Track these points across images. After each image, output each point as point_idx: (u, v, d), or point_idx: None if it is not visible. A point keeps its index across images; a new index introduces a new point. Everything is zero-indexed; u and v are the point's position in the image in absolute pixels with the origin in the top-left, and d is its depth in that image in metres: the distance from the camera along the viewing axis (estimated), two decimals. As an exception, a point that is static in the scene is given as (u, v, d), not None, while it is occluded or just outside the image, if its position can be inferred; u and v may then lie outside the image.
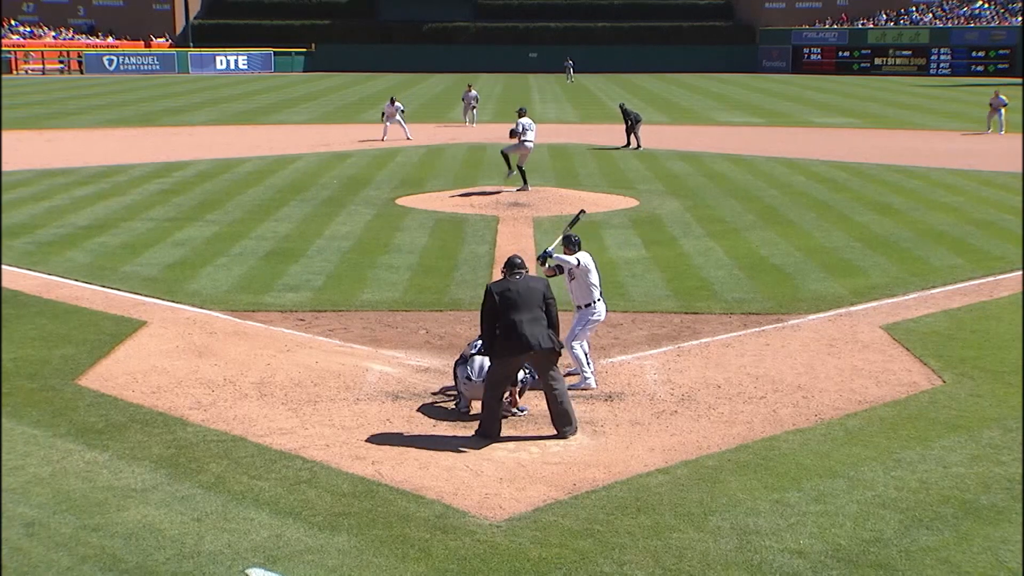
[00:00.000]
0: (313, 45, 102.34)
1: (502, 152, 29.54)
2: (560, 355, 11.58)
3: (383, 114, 43.23)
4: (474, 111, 48.81)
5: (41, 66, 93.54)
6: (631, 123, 39.93)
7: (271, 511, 9.58)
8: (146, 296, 17.55)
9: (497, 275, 17.81)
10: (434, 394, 12.90)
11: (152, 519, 9.38)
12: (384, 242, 22.24)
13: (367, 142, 41.51)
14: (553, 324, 11.49)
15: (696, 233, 23.30)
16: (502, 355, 11.36)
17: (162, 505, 9.68)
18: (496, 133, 41.94)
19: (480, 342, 12.24)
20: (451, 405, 12.50)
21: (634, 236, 22.87)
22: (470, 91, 49.42)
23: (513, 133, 29.04)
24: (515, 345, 11.26)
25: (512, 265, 11.72)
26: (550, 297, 11.56)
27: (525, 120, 28.99)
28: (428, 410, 12.35)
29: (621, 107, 41.35)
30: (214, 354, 14.44)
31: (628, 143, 40.05)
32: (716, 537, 9.15)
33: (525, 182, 28.98)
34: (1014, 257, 20.57)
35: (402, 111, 42.91)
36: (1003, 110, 45.37)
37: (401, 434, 11.58)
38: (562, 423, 11.48)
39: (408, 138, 41.95)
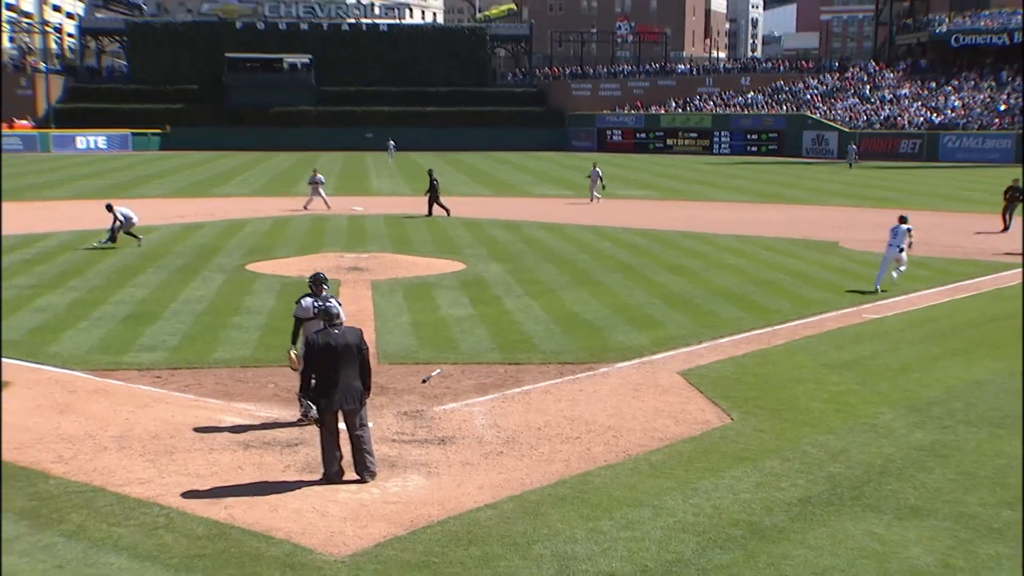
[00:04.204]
0: (168, 127, 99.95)
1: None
2: (364, 406, 11.50)
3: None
4: (321, 191, 43.36)
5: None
6: (433, 191, 40.25)
7: (130, 556, 9.23)
8: (8, 358, 16.74)
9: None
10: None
11: (14, 568, 8.92)
12: (235, 305, 21.77)
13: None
14: (364, 373, 11.41)
15: (517, 293, 23.51)
16: (319, 404, 11.31)
17: (24, 554, 9.23)
18: (336, 204, 41.61)
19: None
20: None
21: (462, 296, 22.94)
22: (316, 175, 43.68)
23: None
24: (330, 403, 11.22)
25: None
26: (364, 347, 11.45)
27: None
28: (277, 457, 12.11)
29: (430, 173, 41.45)
30: (75, 411, 13.87)
31: (430, 212, 40.21)
32: (539, 564, 9.18)
33: None
34: (788, 311, 21.37)
35: None
36: (599, 180, 47.39)
37: (252, 480, 11.32)
38: (362, 468, 11.36)
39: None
